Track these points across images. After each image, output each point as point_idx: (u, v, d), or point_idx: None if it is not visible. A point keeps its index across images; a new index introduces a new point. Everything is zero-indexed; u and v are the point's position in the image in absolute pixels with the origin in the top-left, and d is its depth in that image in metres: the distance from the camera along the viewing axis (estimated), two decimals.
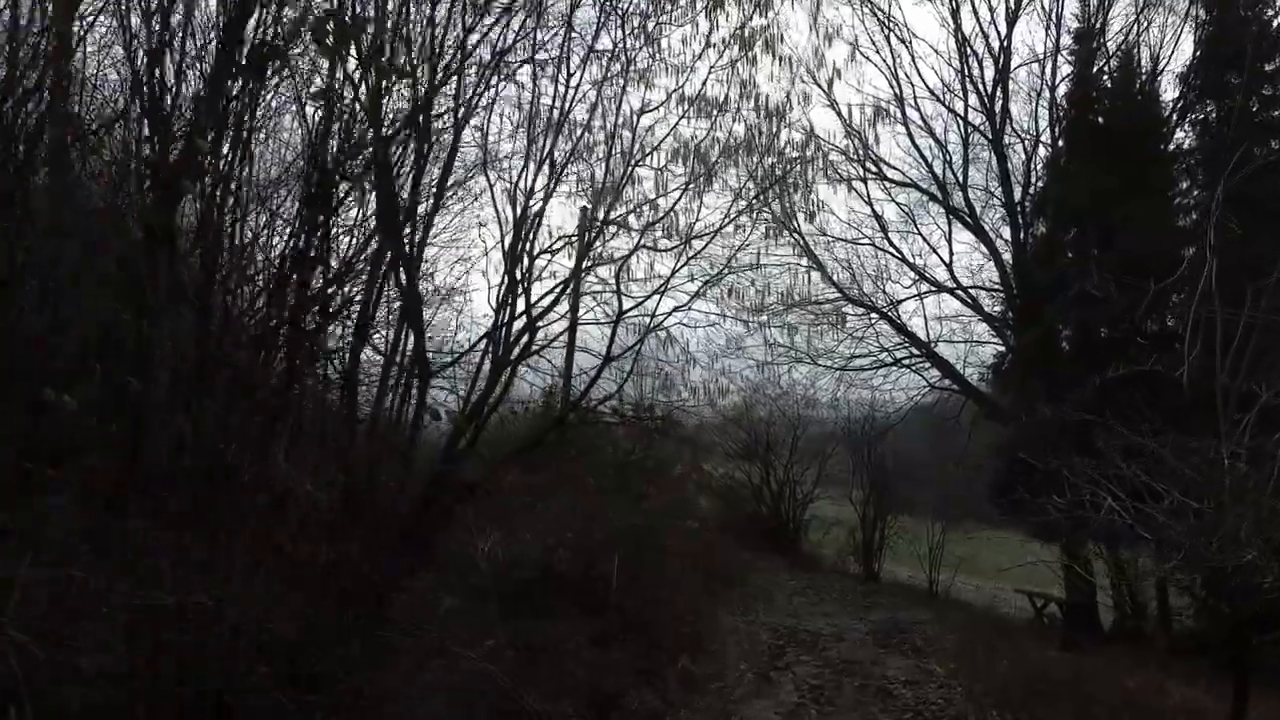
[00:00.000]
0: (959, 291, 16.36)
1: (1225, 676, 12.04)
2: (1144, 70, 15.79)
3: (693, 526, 13.27)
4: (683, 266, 7.09)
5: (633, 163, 6.78)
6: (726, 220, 7.19)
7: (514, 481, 8.91)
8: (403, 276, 5.34)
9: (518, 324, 6.18)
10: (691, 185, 7.00)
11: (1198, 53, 14.48)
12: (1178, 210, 15.59)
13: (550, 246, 6.60)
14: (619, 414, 7.39)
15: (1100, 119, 16.39)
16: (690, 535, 12.02)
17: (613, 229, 7.04)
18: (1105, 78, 16.19)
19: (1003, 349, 16.92)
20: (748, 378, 19.37)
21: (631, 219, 7.16)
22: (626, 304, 7.26)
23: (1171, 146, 15.68)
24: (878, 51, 16.02)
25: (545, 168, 6.01)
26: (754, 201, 7.54)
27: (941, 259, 16.77)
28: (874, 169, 15.92)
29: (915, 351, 16.72)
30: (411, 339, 5.48)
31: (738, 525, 19.30)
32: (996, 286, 16.09)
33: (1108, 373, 10.66)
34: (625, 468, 13.37)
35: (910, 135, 15.97)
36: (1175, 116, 15.18)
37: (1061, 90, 16.19)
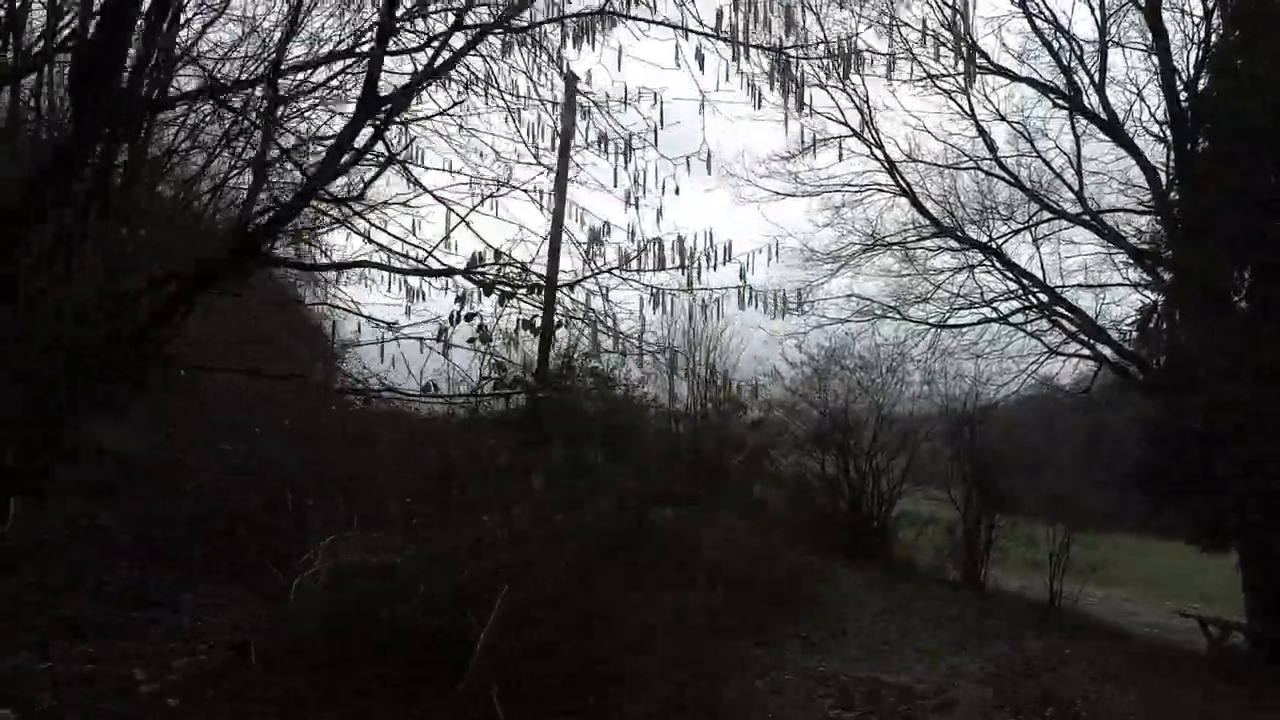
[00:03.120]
0: (1093, 220, 12.51)
1: None
2: None
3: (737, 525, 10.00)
4: None
5: None
6: None
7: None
8: None
9: None
10: None
11: None
12: None
13: None
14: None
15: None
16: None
17: None
18: None
19: (1152, 297, 12.95)
20: (820, 345, 16.08)
21: None
22: None
23: None
24: None
25: None
26: None
27: (1067, 183, 12.97)
28: (983, 63, 12.21)
29: (1032, 300, 12.98)
30: None
31: (810, 524, 15.90)
32: (1145, 209, 12.20)
33: None
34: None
35: (1029, 15, 12.20)
36: None
37: None
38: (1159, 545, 19.02)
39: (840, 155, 12.96)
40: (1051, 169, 13.24)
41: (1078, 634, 11.93)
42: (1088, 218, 12.58)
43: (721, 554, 9.83)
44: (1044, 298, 12.80)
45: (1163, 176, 12.08)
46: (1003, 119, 13.51)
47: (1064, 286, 12.71)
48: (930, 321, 13.59)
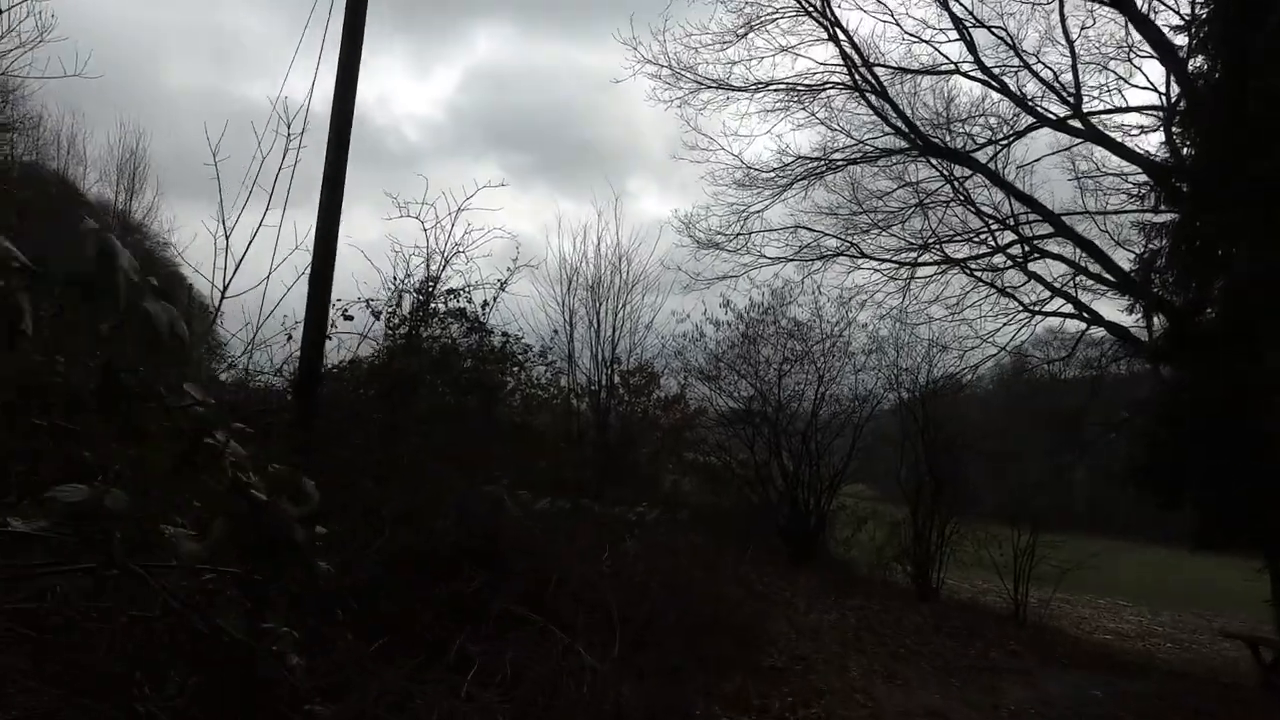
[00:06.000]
0: (1091, 131, 9.86)
1: None
2: None
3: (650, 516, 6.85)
4: None
5: None
6: None
7: None
8: None
9: None
10: None
11: None
12: None
13: None
14: None
15: None
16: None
17: None
18: None
19: (1164, 229, 10.32)
20: (753, 300, 13.22)
21: None
22: None
23: None
24: None
25: None
26: None
27: (1059, 94, 10.32)
28: None
29: (1017, 235, 10.31)
30: None
31: (733, 518, 13.05)
32: (1159, 111, 9.61)
33: None
34: None
35: None
36: None
37: None
38: (1123, 546, 17.06)
39: (788, 39, 9.93)
40: (1040, 79, 10.59)
41: (1085, 662, 9.31)
42: (1081, 125, 9.91)
43: (616, 569, 6.63)
44: (1044, 229, 10.04)
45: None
46: (981, 24, 10.78)
47: (1070, 214, 9.95)
48: (898, 259, 10.70)
